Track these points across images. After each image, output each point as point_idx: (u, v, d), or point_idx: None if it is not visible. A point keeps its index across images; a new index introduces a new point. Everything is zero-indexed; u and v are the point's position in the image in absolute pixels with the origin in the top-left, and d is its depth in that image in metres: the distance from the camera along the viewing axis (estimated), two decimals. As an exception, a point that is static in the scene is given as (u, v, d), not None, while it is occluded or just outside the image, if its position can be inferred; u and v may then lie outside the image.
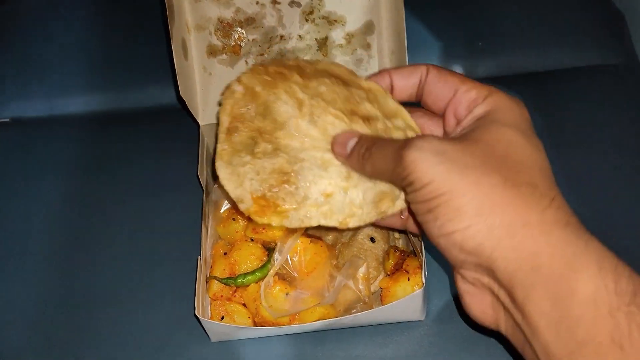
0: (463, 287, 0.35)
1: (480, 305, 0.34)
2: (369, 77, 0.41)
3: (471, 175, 0.31)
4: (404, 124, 0.40)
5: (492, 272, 0.31)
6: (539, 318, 0.29)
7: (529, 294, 0.29)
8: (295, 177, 0.39)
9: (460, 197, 0.30)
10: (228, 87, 0.42)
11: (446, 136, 0.39)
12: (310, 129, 0.39)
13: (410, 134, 0.39)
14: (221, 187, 0.40)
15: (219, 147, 0.41)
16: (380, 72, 0.41)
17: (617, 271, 0.28)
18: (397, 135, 0.39)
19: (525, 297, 0.30)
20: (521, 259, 0.29)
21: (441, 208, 0.31)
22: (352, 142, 0.38)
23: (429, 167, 0.31)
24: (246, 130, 0.41)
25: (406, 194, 0.34)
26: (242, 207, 0.39)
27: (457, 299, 0.48)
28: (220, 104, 0.42)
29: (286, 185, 0.39)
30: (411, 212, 0.38)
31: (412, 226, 0.42)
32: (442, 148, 0.32)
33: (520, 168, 0.31)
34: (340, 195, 0.38)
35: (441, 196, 0.31)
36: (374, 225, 0.48)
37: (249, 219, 0.43)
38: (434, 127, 0.41)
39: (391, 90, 0.41)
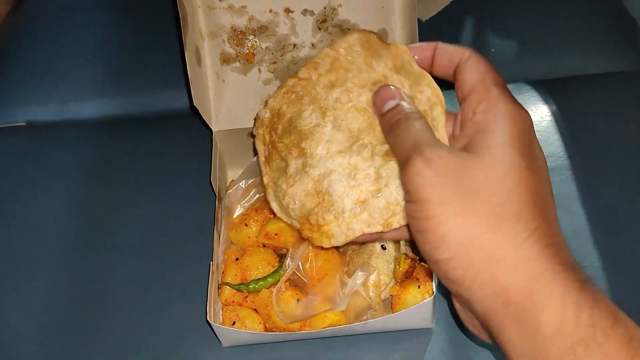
0: (457, 305, 0.35)
1: (473, 322, 0.35)
2: (415, 48, 0.39)
3: (461, 204, 0.31)
4: (430, 92, 0.39)
5: (471, 303, 0.32)
6: (512, 349, 0.31)
7: (502, 326, 0.31)
8: (327, 195, 0.39)
9: (445, 224, 0.31)
10: (257, 116, 0.43)
11: (458, 125, 0.37)
12: (334, 134, 0.40)
13: (436, 112, 0.38)
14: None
15: (265, 180, 0.43)
16: (427, 44, 0.39)
17: (579, 304, 0.29)
18: (422, 108, 0.38)
19: (499, 329, 0.31)
20: (495, 294, 0.30)
21: (429, 234, 0.32)
22: (389, 104, 0.38)
23: (428, 185, 0.32)
24: (278, 154, 0.42)
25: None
26: (302, 233, 0.41)
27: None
28: (253, 135, 0.44)
29: (322, 206, 0.39)
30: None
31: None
32: (448, 164, 0.32)
33: (509, 198, 0.31)
34: (374, 200, 0.38)
35: (430, 219, 0.31)
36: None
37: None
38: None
39: (431, 64, 0.39)
